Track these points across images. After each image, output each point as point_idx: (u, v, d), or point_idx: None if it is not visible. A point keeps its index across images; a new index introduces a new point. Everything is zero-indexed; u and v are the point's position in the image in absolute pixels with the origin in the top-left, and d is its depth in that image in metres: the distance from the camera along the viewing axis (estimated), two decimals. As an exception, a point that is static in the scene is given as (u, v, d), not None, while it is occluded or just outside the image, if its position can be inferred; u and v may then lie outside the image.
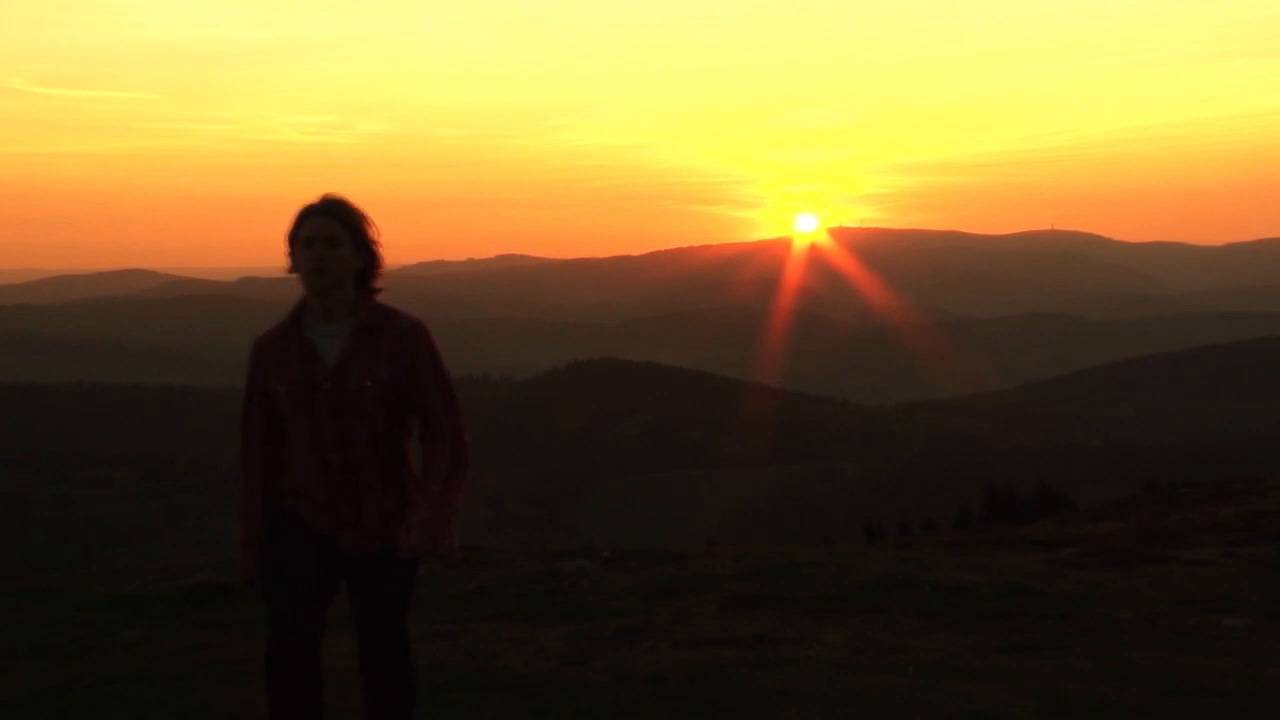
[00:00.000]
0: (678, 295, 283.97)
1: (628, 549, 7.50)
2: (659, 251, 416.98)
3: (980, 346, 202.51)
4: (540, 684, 4.38)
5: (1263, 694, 4.17)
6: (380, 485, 3.00)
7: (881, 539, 16.54)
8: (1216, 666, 4.56)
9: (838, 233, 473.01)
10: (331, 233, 2.92)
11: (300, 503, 3.01)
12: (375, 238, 3.01)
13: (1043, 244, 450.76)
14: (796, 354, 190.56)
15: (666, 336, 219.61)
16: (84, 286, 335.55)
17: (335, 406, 2.94)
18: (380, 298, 3.07)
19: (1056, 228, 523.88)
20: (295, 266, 2.96)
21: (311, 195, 2.99)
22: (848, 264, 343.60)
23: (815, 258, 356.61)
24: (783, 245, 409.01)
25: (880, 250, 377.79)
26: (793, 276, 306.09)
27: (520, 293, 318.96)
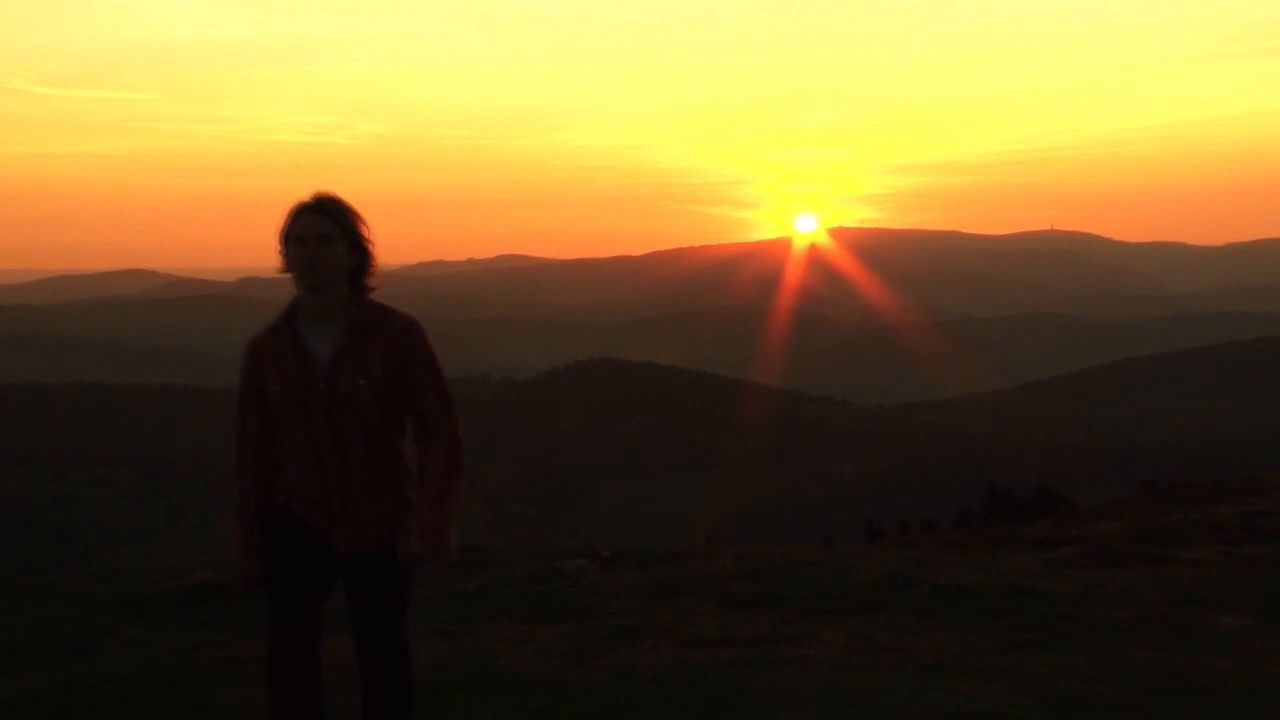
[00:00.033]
0: (678, 295, 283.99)
1: (628, 549, 7.50)
2: (659, 251, 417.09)
3: (980, 346, 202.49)
4: (540, 684, 4.38)
5: (1262, 693, 4.17)
6: (375, 485, 2.98)
7: (881, 539, 16.51)
8: (1216, 666, 4.56)
9: (837, 233, 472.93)
10: (324, 230, 2.90)
11: (294, 500, 3.00)
12: (368, 235, 3.00)
13: (1042, 244, 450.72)
14: (796, 354, 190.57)
15: (666, 336, 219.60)
16: (84, 286, 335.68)
17: (329, 406, 2.92)
18: (378, 297, 3.06)
19: (1056, 228, 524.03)
20: (288, 265, 2.94)
21: (309, 195, 2.98)
22: (847, 264, 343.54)
23: (815, 258, 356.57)
24: (783, 245, 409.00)
25: (880, 250, 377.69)
26: (793, 276, 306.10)
27: (520, 293, 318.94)
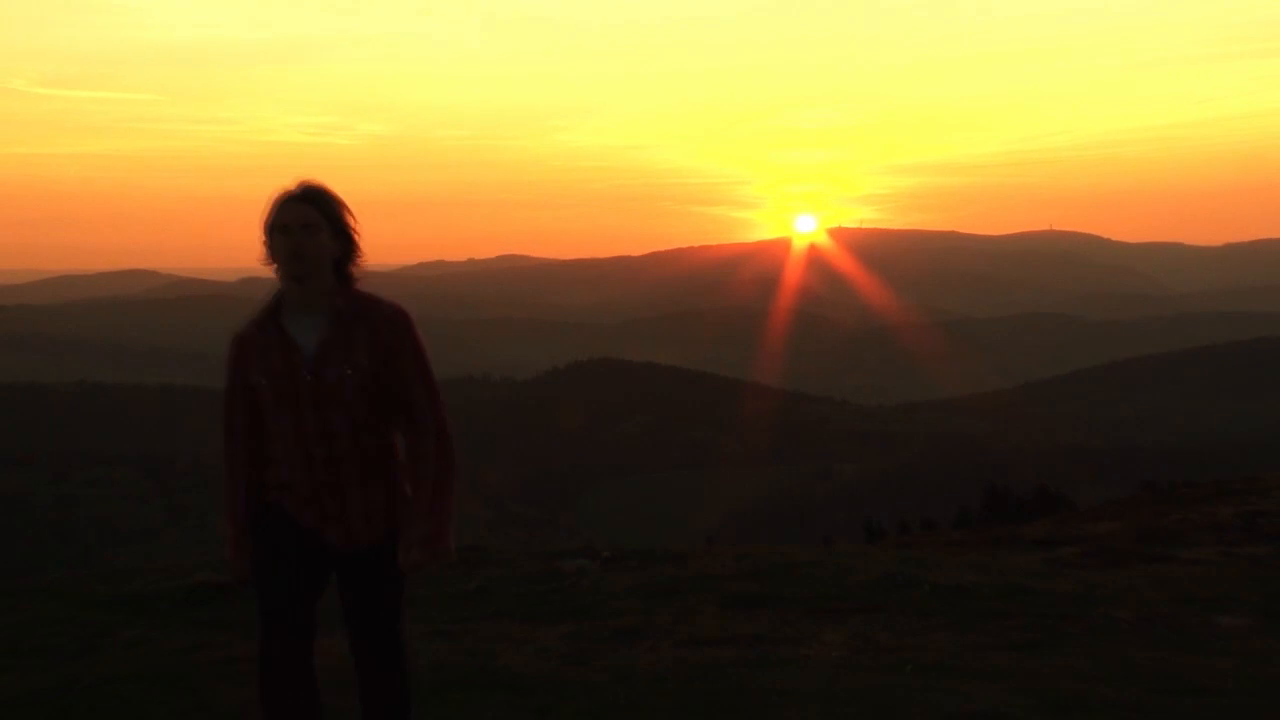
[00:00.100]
0: (678, 295, 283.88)
1: (628, 549, 7.50)
2: (659, 251, 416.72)
3: (980, 346, 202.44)
4: (540, 683, 4.38)
5: (1262, 693, 4.17)
6: (363, 476, 2.94)
7: (881, 539, 16.50)
8: (1216, 666, 4.56)
9: (837, 233, 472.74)
10: (309, 219, 2.86)
11: (284, 496, 2.96)
12: (353, 224, 2.95)
13: (1042, 244, 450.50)
14: (796, 354, 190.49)
15: (666, 336, 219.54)
16: (85, 286, 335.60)
17: (315, 397, 2.89)
18: (364, 287, 3.02)
19: (1055, 228, 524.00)
20: (272, 255, 2.90)
21: (293, 183, 2.94)
22: (847, 264, 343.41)
23: (815, 258, 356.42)
24: (782, 245, 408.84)
25: (880, 250, 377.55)
26: (792, 277, 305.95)
27: (520, 293, 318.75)
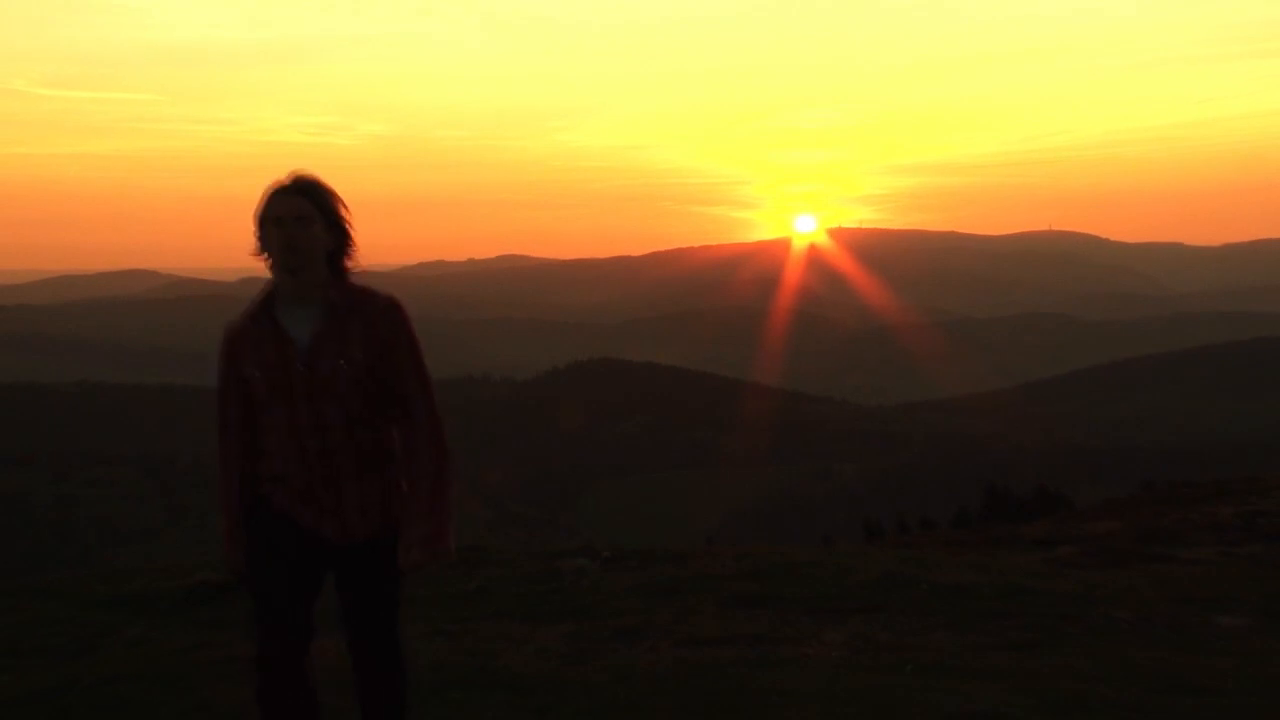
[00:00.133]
0: (678, 295, 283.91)
1: (628, 549, 7.50)
2: (659, 251, 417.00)
3: (979, 346, 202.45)
4: (540, 683, 4.38)
5: (1262, 693, 4.18)
6: (358, 469, 2.91)
7: (881, 539, 16.49)
8: (1216, 666, 4.56)
9: (837, 233, 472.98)
10: (302, 211, 2.83)
11: (278, 491, 2.93)
12: (347, 216, 2.93)
13: (1041, 244, 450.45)
14: (796, 354, 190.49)
15: (666, 336, 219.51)
16: (85, 286, 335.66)
17: (309, 389, 2.86)
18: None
19: (1055, 228, 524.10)
20: (264, 246, 2.87)
21: (286, 176, 2.91)
22: (847, 264, 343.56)
23: (814, 258, 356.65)
24: (782, 245, 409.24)
25: (879, 251, 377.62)
26: (792, 277, 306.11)
27: (520, 293, 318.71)
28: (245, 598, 3.01)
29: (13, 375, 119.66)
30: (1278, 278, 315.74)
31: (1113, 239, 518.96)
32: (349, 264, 2.96)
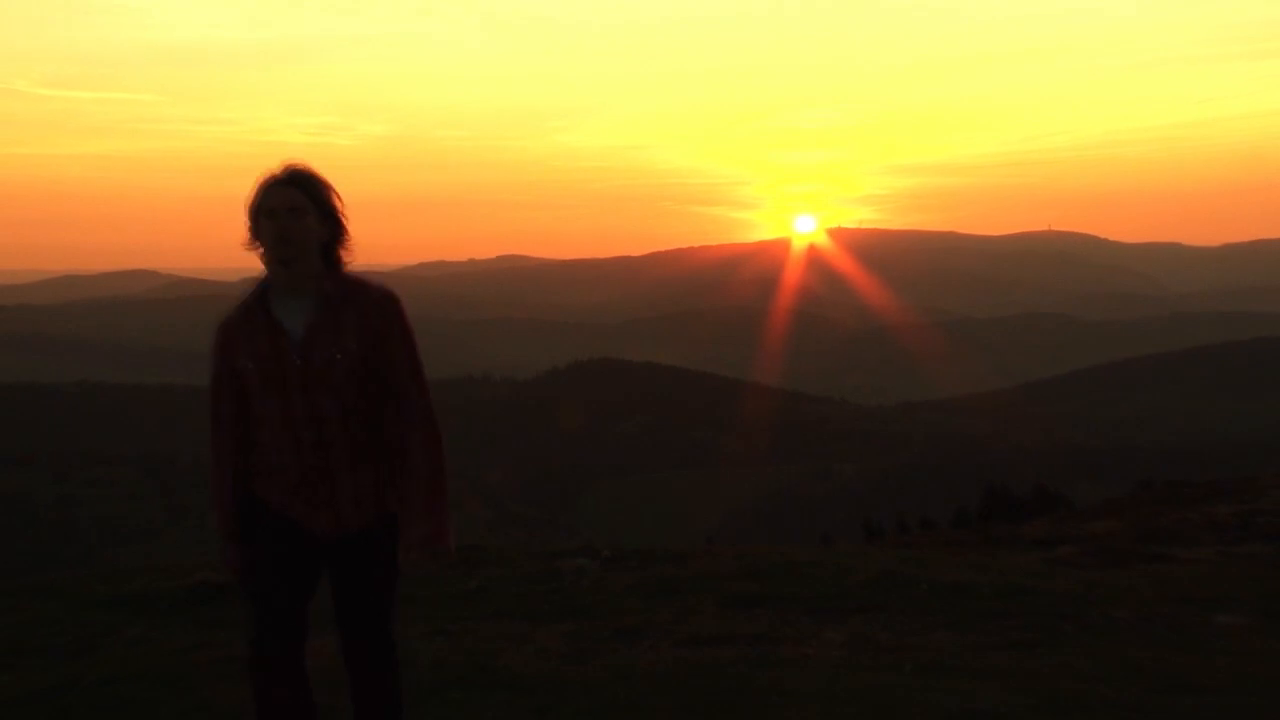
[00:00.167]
0: (678, 295, 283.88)
1: (628, 548, 7.50)
2: (659, 251, 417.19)
3: (979, 346, 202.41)
4: (540, 683, 4.38)
5: (1262, 693, 4.18)
6: (353, 461, 2.89)
7: (881, 538, 16.48)
8: (1215, 665, 4.57)
9: (836, 233, 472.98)
10: (295, 203, 2.81)
11: (272, 486, 2.91)
12: (340, 207, 2.91)
13: (1041, 244, 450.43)
14: (796, 354, 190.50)
15: (666, 336, 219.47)
16: (86, 287, 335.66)
17: (304, 381, 2.84)
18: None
19: (1054, 228, 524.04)
20: (257, 239, 2.85)
21: (279, 167, 2.89)
22: (846, 264, 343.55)
23: (814, 258, 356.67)
24: (782, 246, 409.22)
25: (879, 251, 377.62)
26: (792, 277, 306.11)
27: (520, 293, 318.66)
28: (241, 596, 3.00)
29: (13, 375, 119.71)
30: (1278, 278, 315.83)
31: (1112, 239, 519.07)
32: (344, 255, 2.95)
